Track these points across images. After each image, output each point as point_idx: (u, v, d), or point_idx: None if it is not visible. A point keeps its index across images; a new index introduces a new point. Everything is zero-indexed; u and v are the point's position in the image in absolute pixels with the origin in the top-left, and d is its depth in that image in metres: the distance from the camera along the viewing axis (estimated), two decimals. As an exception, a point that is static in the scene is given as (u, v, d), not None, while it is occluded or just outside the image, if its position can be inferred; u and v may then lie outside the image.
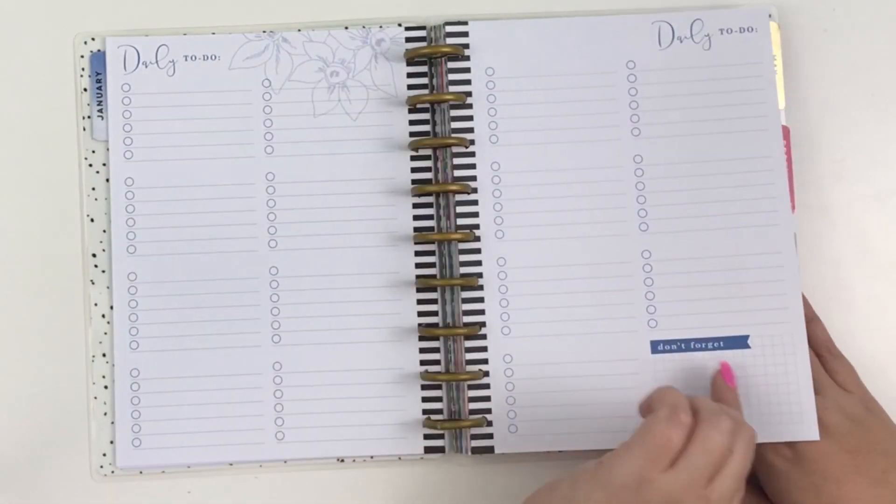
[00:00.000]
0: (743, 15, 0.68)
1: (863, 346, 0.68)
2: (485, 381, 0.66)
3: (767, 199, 0.67)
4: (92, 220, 0.68)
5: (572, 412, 0.66)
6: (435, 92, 0.68)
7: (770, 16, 0.69)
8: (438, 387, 0.67)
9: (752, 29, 0.68)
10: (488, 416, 0.66)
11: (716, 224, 0.67)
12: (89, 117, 0.68)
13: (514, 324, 0.67)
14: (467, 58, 0.67)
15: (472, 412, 0.66)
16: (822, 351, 0.67)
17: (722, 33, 0.68)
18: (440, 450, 0.67)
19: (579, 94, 0.68)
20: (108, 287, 0.68)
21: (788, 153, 0.68)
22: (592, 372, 0.66)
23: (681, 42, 0.68)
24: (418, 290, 0.67)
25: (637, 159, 0.67)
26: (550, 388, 0.66)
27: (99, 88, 0.68)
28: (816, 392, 0.65)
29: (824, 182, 0.70)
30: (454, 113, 0.67)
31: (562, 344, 0.66)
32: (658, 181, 0.67)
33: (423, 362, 0.67)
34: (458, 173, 0.67)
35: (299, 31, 0.68)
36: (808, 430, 0.64)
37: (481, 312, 0.67)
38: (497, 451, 0.66)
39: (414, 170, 0.68)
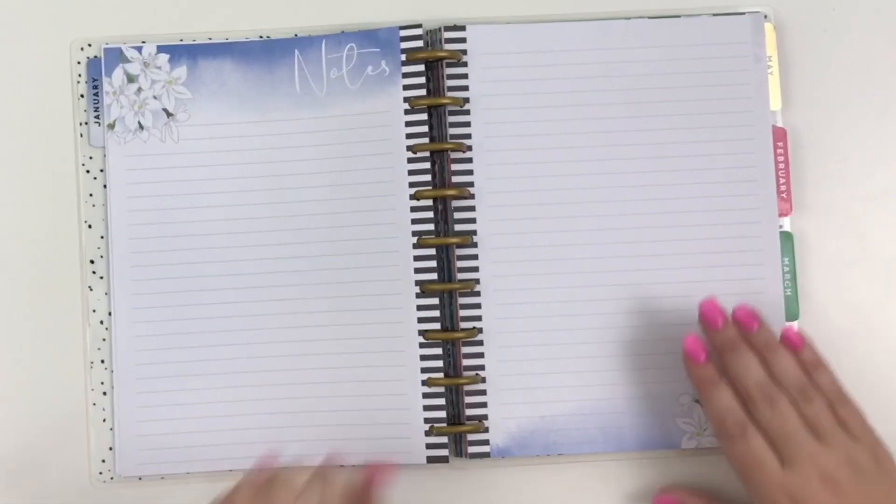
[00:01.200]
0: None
1: (863, 347, 0.69)
2: (481, 386, 0.67)
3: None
4: (90, 227, 0.68)
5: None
6: (432, 96, 0.68)
7: (766, 17, 0.69)
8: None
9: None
10: (485, 422, 0.67)
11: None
12: (86, 123, 0.68)
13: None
14: (465, 63, 0.67)
15: (469, 418, 0.67)
16: (830, 398, 0.62)
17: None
18: (443, 459, 0.67)
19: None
20: (106, 293, 0.68)
21: (785, 155, 0.68)
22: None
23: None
24: (417, 296, 0.67)
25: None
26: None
27: (96, 94, 0.68)
28: (827, 444, 0.60)
29: (824, 182, 0.70)
30: (452, 119, 0.67)
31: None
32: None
33: (423, 368, 0.67)
34: (455, 178, 0.67)
35: (296, 35, 0.68)
36: None
37: (478, 318, 0.67)
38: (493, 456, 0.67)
39: (411, 172, 0.67)
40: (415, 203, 0.67)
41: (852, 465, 0.60)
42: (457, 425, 0.66)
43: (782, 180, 0.68)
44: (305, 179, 0.67)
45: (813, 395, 0.62)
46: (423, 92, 0.67)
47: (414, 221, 0.67)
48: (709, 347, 0.63)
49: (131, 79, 0.68)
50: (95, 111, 0.68)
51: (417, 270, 0.67)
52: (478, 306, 0.67)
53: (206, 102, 0.68)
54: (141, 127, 0.68)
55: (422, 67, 0.68)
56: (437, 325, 0.67)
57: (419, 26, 0.68)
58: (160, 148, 0.68)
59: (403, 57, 0.67)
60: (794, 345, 0.64)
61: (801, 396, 0.62)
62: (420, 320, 0.67)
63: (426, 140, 0.67)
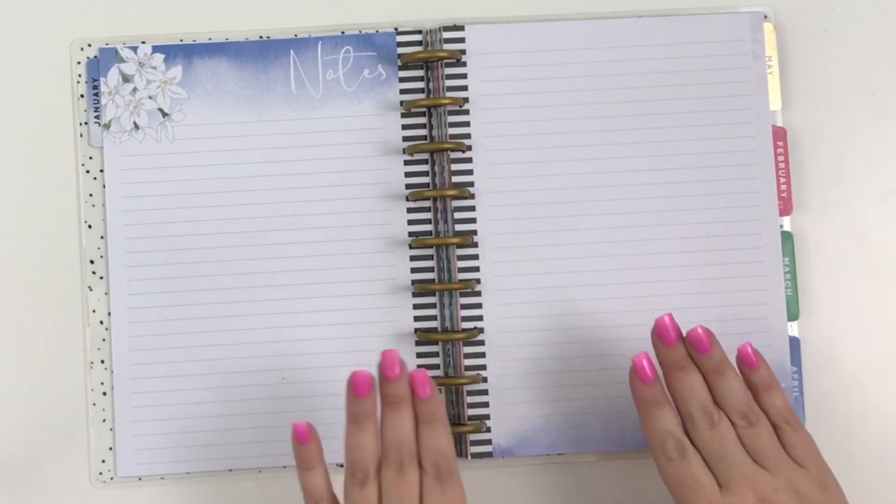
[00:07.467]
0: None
1: (863, 347, 0.69)
2: (482, 386, 0.67)
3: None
4: (90, 227, 0.68)
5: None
6: (432, 96, 0.68)
7: (766, 17, 0.69)
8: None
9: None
10: (487, 422, 0.67)
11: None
12: (86, 123, 0.68)
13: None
14: (464, 63, 0.67)
15: (471, 417, 0.67)
16: (779, 422, 0.60)
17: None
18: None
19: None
20: (106, 293, 0.68)
21: (785, 154, 0.68)
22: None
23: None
24: (415, 295, 0.67)
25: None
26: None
27: (96, 95, 0.68)
28: (768, 469, 0.59)
29: (824, 182, 0.70)
30: (451, 119, 0.67)
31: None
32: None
33: (420, 367, 0.67)
34: (455, 178, 0.67)
35: (295, 36, 0.68)
36: None
37: (479, 318, 0.67)
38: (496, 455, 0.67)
39: (408, 174, 0.68)
40: (411, 204, 0.67)
41: (794, 491, 0.59)
42: (458, 426, 0.66)
43: (782, 180, 0.68)
44: (300, 180, 0.68)
45: (757, 419, 0.60)
46: (420, 95, 0.68)
47: (410, 222, 0.67)
48: (657, 366, 0.61)
49: (126, 79, 0.68)
50: (95, 111, 0.68)
51: (414, 270, 0.67)
52: (478, 306, 0.67)
53: (202, 102, 0.68)
54: (136, 127, 0.68)
55: (419, 71, 0.68)
56: (433, 325, 0.67)
57: (417, 32, 0.68)
58: (155, 148, 0.68)
59: (400, 62, 0.68)
60: (750, 364, 0.61)
61: (744, 419, 0.60)
62: (416, 319, 0.67)
63: (423, 142, 0.67)
